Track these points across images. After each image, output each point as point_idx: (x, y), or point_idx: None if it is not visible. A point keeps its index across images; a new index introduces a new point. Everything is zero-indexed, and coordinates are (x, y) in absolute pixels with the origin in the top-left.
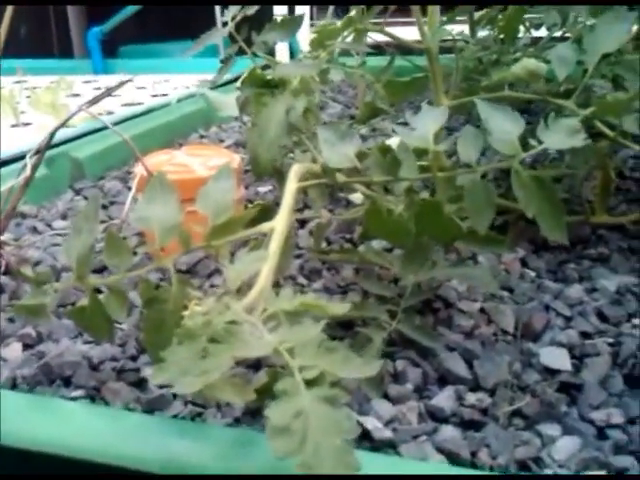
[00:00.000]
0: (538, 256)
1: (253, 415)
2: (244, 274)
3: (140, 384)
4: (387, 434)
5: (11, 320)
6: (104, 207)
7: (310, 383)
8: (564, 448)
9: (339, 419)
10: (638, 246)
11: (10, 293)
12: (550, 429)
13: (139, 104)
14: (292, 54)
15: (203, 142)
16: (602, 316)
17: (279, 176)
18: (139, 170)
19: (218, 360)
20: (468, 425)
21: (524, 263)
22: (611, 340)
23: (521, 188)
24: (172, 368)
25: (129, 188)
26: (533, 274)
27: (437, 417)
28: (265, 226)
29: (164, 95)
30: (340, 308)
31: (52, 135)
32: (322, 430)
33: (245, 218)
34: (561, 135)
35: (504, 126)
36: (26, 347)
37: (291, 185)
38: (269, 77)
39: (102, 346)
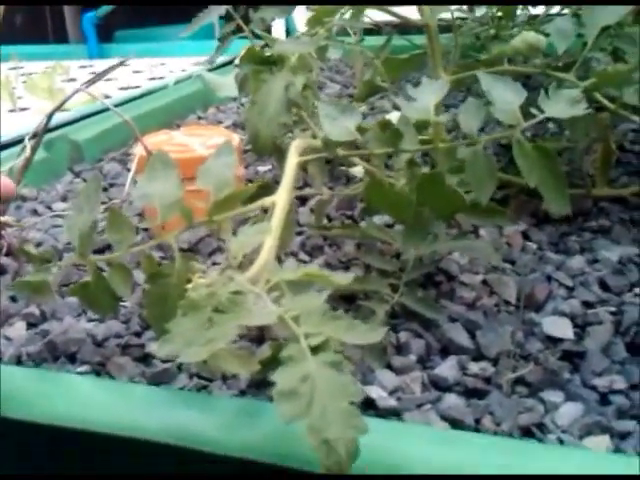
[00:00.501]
0: (539, 229)
1: (258, 387)
2: (247, 246)
3: (145, 359)
4: (391, 403)
5: (14, 299)
6: (104, 189)
7: (315, 349)
8: (567, 414)
9: (344, 383)
10: (639, 218)
11: (13, 274)
12: (553, 396)
13: (136, 87)
14: (288, 33)
15: (201, 123)
16: (604, 286)
17: (279, 154)
18: (138, 150)
19: (223, 329)
20: (471, 393)
21: (525, 236)
22: (613, 309)
23: (523, 158)
24: (177, 339)
25: (128, 170)
26: (535, 246)
27: (440, 386)
28: (266, 201)
29: (161, 78)
30: (343, 279)
31: (50, 117)
32: (328, 393)
33: (246, 193)
34: (562, 105)
35: (506, 96)
36: (30, 326)
37: (292, 159)
38: (267, 54)
39: (106, 323)
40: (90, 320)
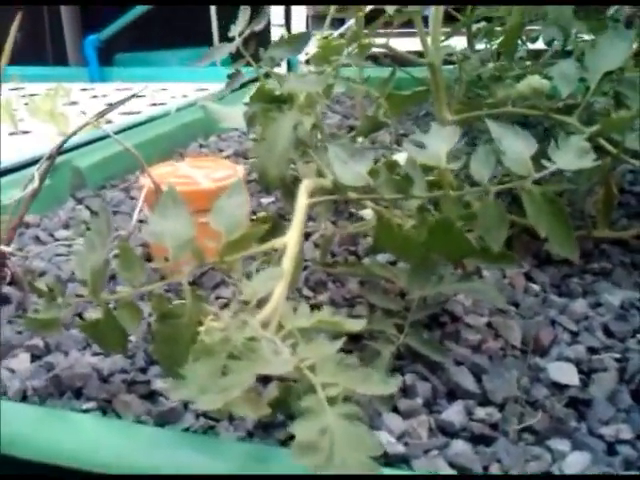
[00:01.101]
0: (542, 270)
1: (265, 429)
2: (261, 291)
3: (151, 396)
4: (400, 449)
5: (18, 331)
6: None
7: (331, 401)
8: (575, 463)
9: (363, 436)
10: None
11: (16, 304)
12: (560, 444)
13: (137, 113)
14: (290, 66)
15: (202, 152)
16: (608, 331)
17: (285, 188)
18: (145, 182)
19: (238, 377)
20: (478, 440)
21: (528, 277)
22: (618, 355)
23: (532, 206)
24: (191, 385)
25: (131, 198)
26: (538, 288)
27: (447, 431)
28: (278, 242)
29: (162, 104)
30: (356, 325)
31: (60, 146)
32: (348, 447)
33: (257, 234)
34: (571, 155)
35: (516, 146)
36: (34, 358)
37: (302, 200)
38: (277, 93)
39: (111, 358)
40: (95, 354)
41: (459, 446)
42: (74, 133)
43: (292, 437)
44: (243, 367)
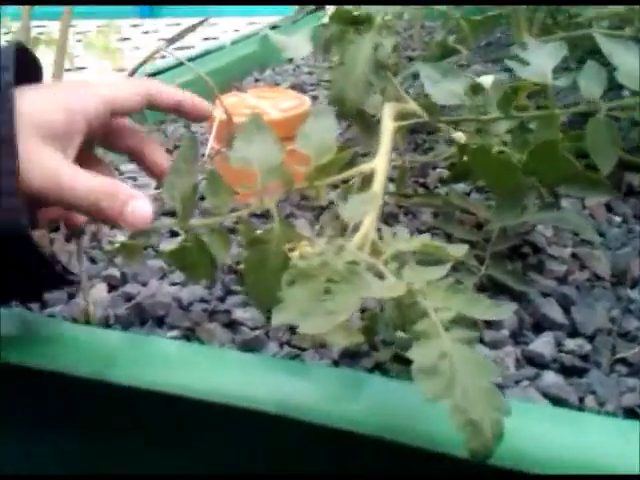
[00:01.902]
0: (623, 201)
1: (351, 357)
2: (360, 214)
3: (232, 325)
4: None
5: (93, 261)
6: (169, 151)
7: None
8: None
9: (481, 361)
10: None
11: (90, 235)
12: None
13: (190, 47)
14: None
15: (258, 85)
16: None
17: (360, 116)
18: (217, 113)
19: (344, 301)
20: (570, 371)
21: (609, 209)
22: None
23: None
24: (291, 308)
25: (192, 132)
26: (619, 219)
27: (536, 363)
28: (366, 167)
29: (215, 38)
30: (458, 250)
31: (133, 73)
32: (468, 372)
33: (344, 159)
34: None
35: (630, 61)
36: (111, 288)
37: (388, 124)
38: (355, 14)
39: (189, 288)
40: (173, 284)
41: (550, 377)
42: (148, 58)
43: (379, 365)
44: (348, 291)
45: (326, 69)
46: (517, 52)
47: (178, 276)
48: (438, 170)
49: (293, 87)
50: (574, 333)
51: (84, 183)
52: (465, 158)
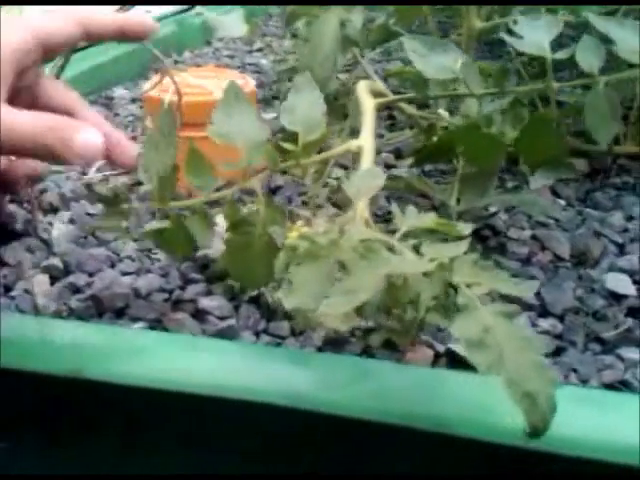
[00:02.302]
0: (565, 185)
1: (334, 344)
2: (366, 190)
3: (200, 315)
4: None
5: (30, 250)
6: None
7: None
8: None
9: (527, 335)
10: None
11: (23, 222)
12: (631, 353)
13: None
14: None
15: (179, 67)
16: None
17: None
18: (148, 92)
19: (364, 279)
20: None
21: (553, 192)
22: None
23: None
24: (302, 290)
25: (116, 114)
26: (564, 202)
27: None
28: (353, 144)
29: None
30: (465, 229)
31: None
32: (515, 346)
33: (328, 135)
34: None
35: (627, 36)
36: (53, 279)
37: (368, 102)
38: None
39: (143, 277)
40: (124, 273)
41: None
42: None
43: (366, 350)
44: (367, 268)
45: (246, 52)
46: (511, 27)
47: (128, 265)
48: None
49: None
50: (545, 313)
51: (22, 121)
52: (435, 139)
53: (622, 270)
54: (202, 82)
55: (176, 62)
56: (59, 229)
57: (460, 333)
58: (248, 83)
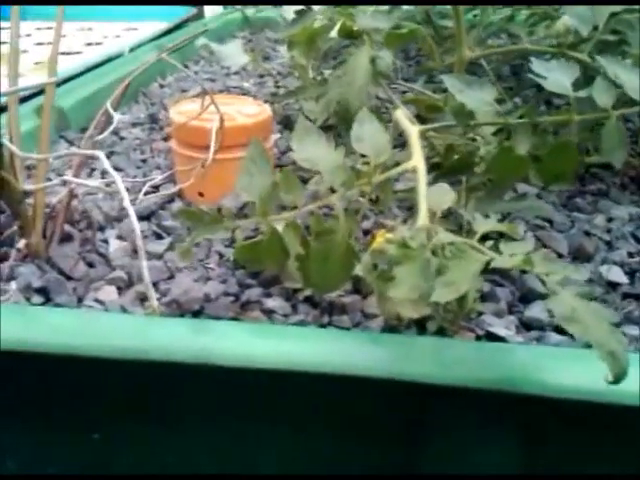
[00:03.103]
0: (547, 191)
1: (392, 332)
2: (444, 202)
3: (269, 314)
4: (519, 339)
5: (91, 265)
6: (106, 158)
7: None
8: None
9: (600, 308)
10: (627, 182)
11: (80, 241)
12: (632, 330)
13: (77, 53)
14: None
15: (165, 91)
16: (636, 238)
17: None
18: (175, 117)
19: (462, 274)
20: (566, 332)
21: (539, 198)
22: None
23: None
24: (405, 284)
25: (122, 138)
26: (550, 207)
27: (535, 327)
28: (409, 165)
29: (98, 44)
30: (520, 229)
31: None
32: (594, 317)
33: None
34: None
35: (632, 78)
36: (119, 290)
37: (413, 127)
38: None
39: (207, 284)
40: (192, 281)
41: (555, 337)
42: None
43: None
44: (462, 265)
45: (225, 75)
46: (534, 68)
47: (187, 274)
48: None
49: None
50: None
51: None
52: (456, 157)
53: (614, 262)
54: (223, 109)
55: (161, 86)
56: (114, 245)
57: (556, 312)
58: (265, 109)
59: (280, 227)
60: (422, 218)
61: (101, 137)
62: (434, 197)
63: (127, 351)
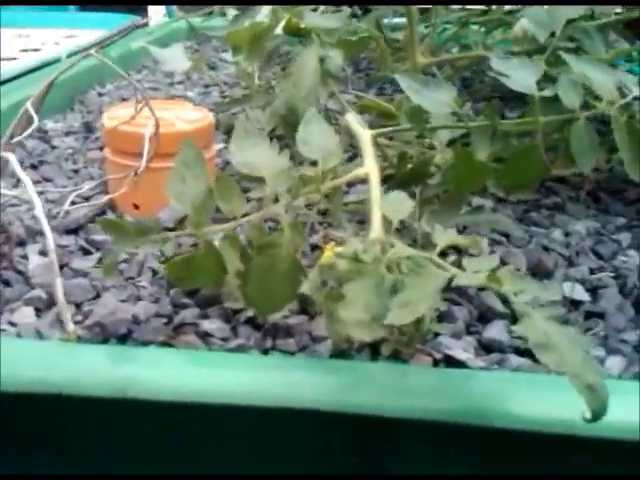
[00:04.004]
0: (503, 206)
1: (341, 357)
2: (402, 212)
3: (205, 338)
4: (479, 363)
5: (7, 284)
6: (34, 167)
7: None
8: (614, 366)
9: (574, 334)
10: (583, 196)
11: None
12: (597, 351)
13: (12, 59)
14: (169, 12)
15: (104, 100)
16: (596, 254)
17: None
18: (108, 123)
19: (420, 292)
20: (526, 353)
21: (494, 211)
22: (612, 274)
23: (619, 132)
24: (357, 304)
25: (53, 147)
26: None
27: (494, 348)
28: (361, 171)
29: (36, 50)
30: (476, 243)
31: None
32: (569, 345)
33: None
34: None
35: (600, 76)
36: (38, 311)
37: (365, 131)
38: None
39: (136, 305)
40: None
41: (516, 360)
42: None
43: (372, 359)
44: (421, 282)
45: (167, 85)
46: (495, 66)
47: (115, 293)
48: None
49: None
50: (515, 320)
51: None
52: (410, 166)
53: (575, 279)
54: (160, 114)
55: (100, 94)
56: (34, 261)
57: (530, 339)
58: (207, 116)
59: (217, 240)
60: (376, 229)
61: (21, 138)
62: (390, 206)
63: (36, 384)
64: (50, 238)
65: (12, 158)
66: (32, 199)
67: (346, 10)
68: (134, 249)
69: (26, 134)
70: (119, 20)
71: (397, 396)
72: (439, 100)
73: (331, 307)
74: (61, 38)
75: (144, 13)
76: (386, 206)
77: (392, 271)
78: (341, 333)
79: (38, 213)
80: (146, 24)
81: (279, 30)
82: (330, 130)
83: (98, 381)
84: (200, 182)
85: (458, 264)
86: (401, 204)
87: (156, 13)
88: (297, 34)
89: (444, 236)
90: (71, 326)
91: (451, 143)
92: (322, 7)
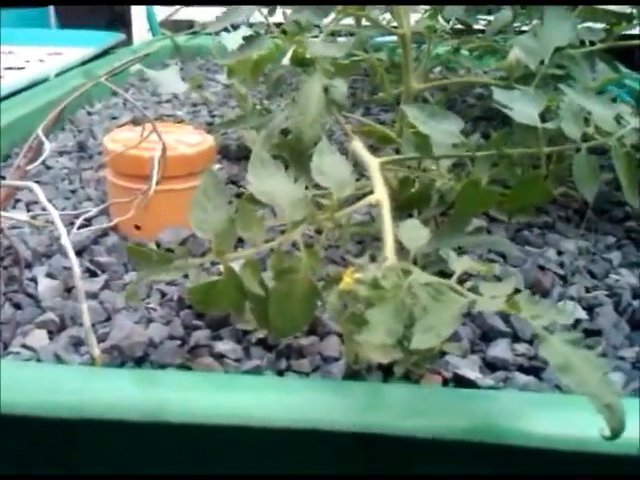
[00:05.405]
0: (496, 226)
1: (354, 377)
2: (419, 239)
3: (220, 359)
4: (488, 382)
5: (18, 307)
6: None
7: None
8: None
9: (591, 356)
10: (571, 215)
11: (5, 279)
12: None
13: None
14: (152, 30)
15: (93, 119)
16: (590, 272)
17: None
18: (112, 146)
19: (442, 317)
20: (530, 371)
21: (488, 232)
22: (607, 292)
23: (618, 160)
24: (379, 328)
25: (48, 167)
26: None
27: (499, 367)
28: (372, 198)
29: (21, 68)
30: (494, 268)
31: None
32: (587, 367)
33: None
34: None
35: (600, 110)
36: (50, 334)
37: (372, 160)
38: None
39: (149, 327)
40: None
41: (522, 378)
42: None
43: (384, 380)
44: (443, 307)
45: (155, 103)
46: (497, 97)
47: (126, 316)
48: None
49: (135, 122)
50: (517, 339)
51: None
52: (412, 190)
53: (571, 298)
54: (164, 138)
55: (89, 113)
56: (43, 284)
57: (551, 360)
58: (207, 139)
59: (237, 266)
60: (390, 256)
61: (32, 167)
62: (406, 234)
63: (64, 409)
64: (76, 265)
65: (35, 188)
66: (58, 226)
67: (350, 39)
68: (162, 277)
69: (40, 161)
70: (102, 37)
71: (413, 415)
72: (446, 131)
73: (352, 331)
74: (45, 55)
75: (123, 28)
76: (402, 234)
77: (410, 297)
78: (358, 355)
79: (64, 240)
80: (130, 41)
81: (286, 61)
82: (343, 160)
83: (130, 405)
84: (221, 210)
85: (474, 289)
86: (417, 232)
87: (139, 29)
88: (302, 64)
89: (460, 263)
90: (96, 351)
91: (452, 167)
92: (322, 35)
